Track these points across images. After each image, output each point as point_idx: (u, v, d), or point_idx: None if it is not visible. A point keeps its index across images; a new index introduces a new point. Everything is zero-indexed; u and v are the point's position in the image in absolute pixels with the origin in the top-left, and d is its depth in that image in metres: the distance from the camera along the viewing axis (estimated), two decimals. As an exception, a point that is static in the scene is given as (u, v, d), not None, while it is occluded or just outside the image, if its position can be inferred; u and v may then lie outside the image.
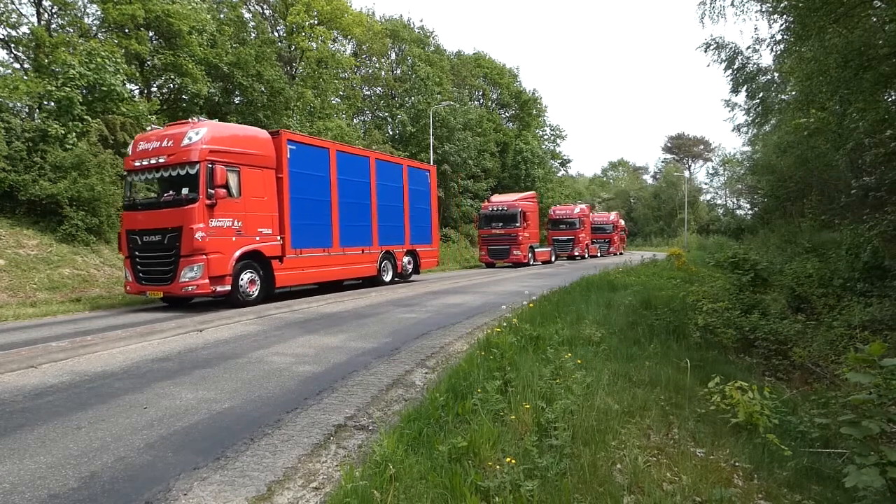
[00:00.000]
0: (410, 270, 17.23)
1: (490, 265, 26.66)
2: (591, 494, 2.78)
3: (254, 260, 11.36)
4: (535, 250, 27.92)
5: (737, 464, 3.37)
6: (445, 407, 3.91)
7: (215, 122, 12.22)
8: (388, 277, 15.87)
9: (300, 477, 3.21)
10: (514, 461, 2.98)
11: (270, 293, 11.90)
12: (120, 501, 2.89)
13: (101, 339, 7.51)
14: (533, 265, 26.99)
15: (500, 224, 26.06)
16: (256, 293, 11.35)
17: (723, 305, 7.60)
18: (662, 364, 5.39)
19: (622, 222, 51.68)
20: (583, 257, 34.35)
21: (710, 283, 10.08)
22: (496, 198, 28.86)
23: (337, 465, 3.37)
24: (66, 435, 3.83)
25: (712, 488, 2.89)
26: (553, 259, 30.53)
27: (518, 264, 26.09)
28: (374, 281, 15.36)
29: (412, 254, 17.29)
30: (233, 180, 10.84)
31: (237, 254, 10.85)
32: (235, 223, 10.88)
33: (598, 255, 38.08)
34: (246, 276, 11.17)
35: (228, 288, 10.66)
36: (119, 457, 3.45)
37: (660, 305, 8.60)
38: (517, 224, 25.64)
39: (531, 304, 8.77)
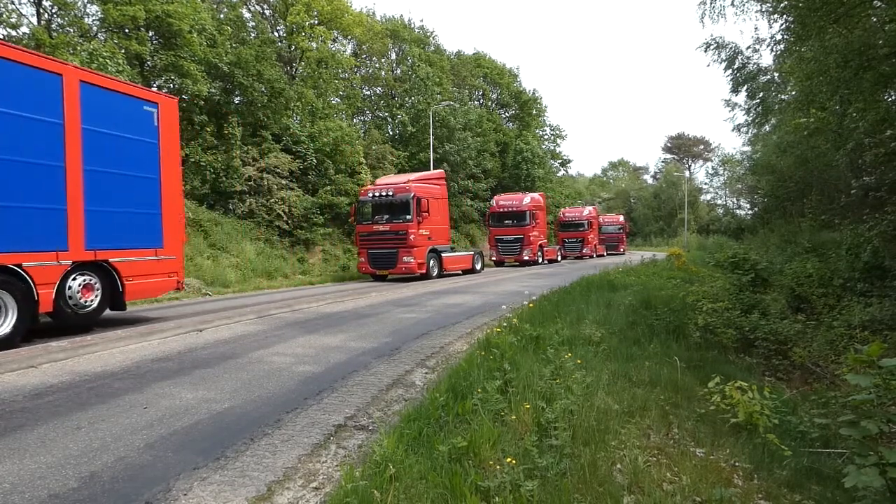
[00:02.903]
0: (93, 303, 8.33)
1: (379, 277, 18.65)
2: (591, 494, 2.78)
3: None
4: (443, 256, 19.50)
5: (737, 464, 3.37)
6: (445, 407, 3.91)
7: None
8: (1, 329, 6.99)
9: (300, 477, 3.21)
10: (514, 461, 2.99)
11: None
12: (120, 501, 2.90)
13: (100, 339, 7.52)
14: (442, 277, 19.01)
15: (386, 217, 18.21)
16: None
17: (723, 305, 7.60)
18: (662, 364, 5.39)
19: (622, 219, 47.66)
20: (534, 262, 26.70)
21: (710, 283, 10.08)
22: (383, 180, 20.43)
23: (337, 465, 3.37)
24: (66, 435, 3.84)
25: (712, 488, 2.89)
26: (479, 267, 22.12)
27: (423, 275, 18.34)
28: None
29: (98, 269, 8.48)
30: None
31: None
32: None
33: (558, 258, 31.23)
34: None
35: None
36: (119, 457, 3.45)
37: (660, 305, 8.61)
38: (408, 217, 17.73)
39: (531, 304, 8.78)
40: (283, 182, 22.13)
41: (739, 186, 49.10)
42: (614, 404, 4.09)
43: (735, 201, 57.29)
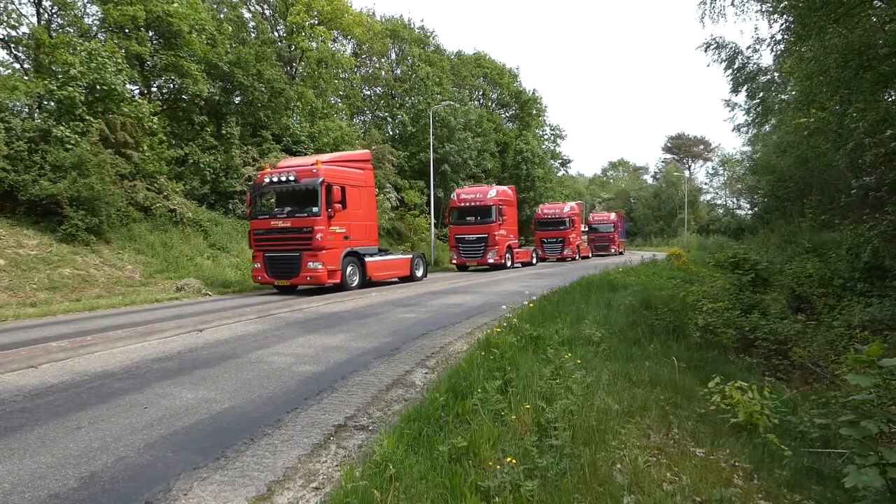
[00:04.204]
0: None
1: (283, 289, 14.15)
2: (591, 494, 2.78)
3: None
4: (367, 260, 14.93)
5: (737, 464, 3.37)
6: (445, 407, 3.91)
7: None
8: None
9: (300, 477, 3.21)
10: (514, 461, 2.99)
11: None
12: (120, 501, 2.90)
13: (100, 339, 7.51)
14: (365, 289, 14.45)
15: (287, 210, 13.90)
16: None
17: (723, 305, 7.59)
18: (662, 364, 5.39)
19: (614, 216, 42.89)
20: (502, 266, 22.88)
21: (710, 283, 10.07)
22: (287, 162, 16.14)
23: (337, 466, 3.37)
24: (66, 435, 3.84)
25: (712, 488, 2.89)
26: (420, 273, 17.67)
27: (337, 286, 13.94)
28: None
29: None
30: None
31: None
32: None
33: (533, 260, 27.17)
34: None
35: None
36: (119, 457, 3.45)
37: (660, 305, 8.60)
38: (315, 210, 13.29)
39: (531, 304, 8.78)
40: (283, 182, 22.12)
41: (739, 186, 49.09)
42: (614, 404, 4.08)
43: (735, 201, 57.27)
